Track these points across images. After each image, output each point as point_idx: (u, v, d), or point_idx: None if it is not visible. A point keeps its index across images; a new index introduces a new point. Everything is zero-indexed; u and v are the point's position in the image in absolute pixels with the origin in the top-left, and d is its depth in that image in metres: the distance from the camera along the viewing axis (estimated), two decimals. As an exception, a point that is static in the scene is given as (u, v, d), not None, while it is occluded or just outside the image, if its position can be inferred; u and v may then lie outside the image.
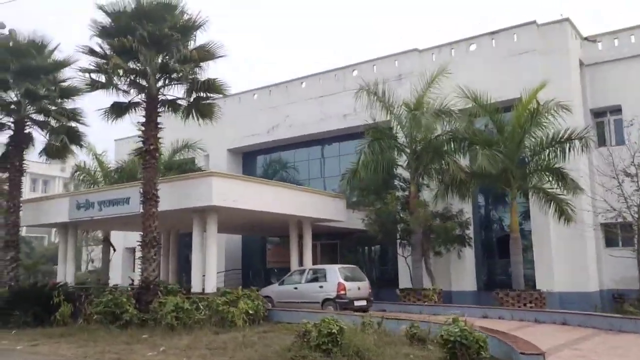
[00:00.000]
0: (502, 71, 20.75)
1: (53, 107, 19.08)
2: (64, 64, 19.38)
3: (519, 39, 21.24)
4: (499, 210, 22.60)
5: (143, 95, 15.99)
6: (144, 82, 15.84)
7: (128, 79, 15.87)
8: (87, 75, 15.94)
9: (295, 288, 15.57)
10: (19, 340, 12.81)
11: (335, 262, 23.56)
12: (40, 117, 19.93)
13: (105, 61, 15.41)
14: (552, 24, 21.05)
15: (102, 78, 15.75)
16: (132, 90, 16.34)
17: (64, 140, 19.21)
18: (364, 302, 15.16)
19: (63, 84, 19.45)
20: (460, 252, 20.34)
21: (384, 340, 9.16)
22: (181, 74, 15.28)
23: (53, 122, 20.01)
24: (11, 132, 19.70)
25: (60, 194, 20.81)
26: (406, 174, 20.70)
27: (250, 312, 13.70)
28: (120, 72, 15.56)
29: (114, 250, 28.84)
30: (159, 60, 15.52)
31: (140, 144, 15.88)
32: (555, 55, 20.40)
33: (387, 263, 25.27)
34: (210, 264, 16.36)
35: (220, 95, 16.98)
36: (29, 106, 19.25)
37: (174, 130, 18.22)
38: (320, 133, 26.73)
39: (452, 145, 18.98)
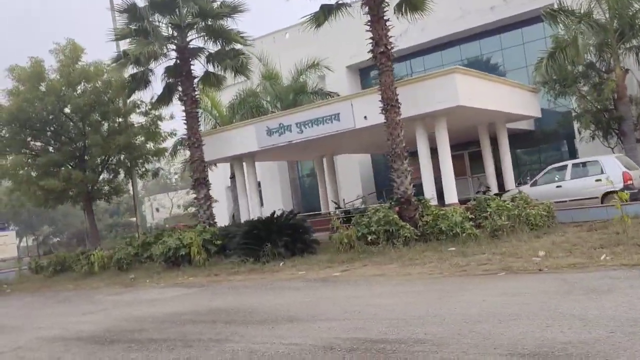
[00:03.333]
0: None
1: (221, 27, 17.18)
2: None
3: None
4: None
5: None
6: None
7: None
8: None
9: (559, 186, 14.11)
10: (308, 269, 11.67)
11: (482, 171, 21.81)
12: (200, 43, 18.16)
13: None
14: None
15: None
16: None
17: (243, 62, 17.51)
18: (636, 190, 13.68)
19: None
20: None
21: None
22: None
23: (212, 48, 18.28)
24: (169, 63, 18.11)
25: (244, 122, 19.16)
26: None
27: (544, 213, 12.36)
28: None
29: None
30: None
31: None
32: None
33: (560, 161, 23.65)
34: (447, 173, 14.98)
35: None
36: (193, 30, 17.43)
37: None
38: (459, 32, 24.52)
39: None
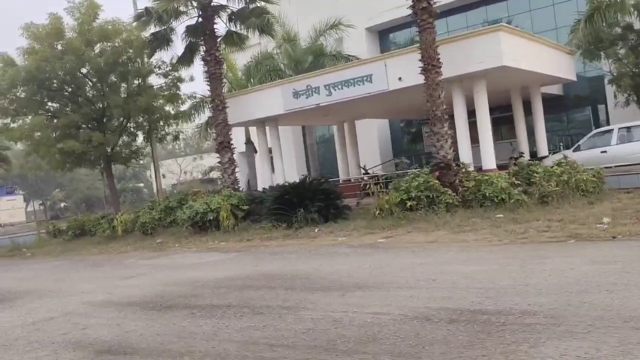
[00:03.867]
0: None
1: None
2: None
3: None
4: None
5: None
6: None
7: None
8: None
9: (604, 152, 13.59)
10: (348, 235, 11.29)
11: (512, 136, 21.24)
12: (222, 1, 17.41)
13: None
14: None
15: None
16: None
17: (269, 21, 16.80)
18: (694, 158, 13.19)
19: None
20: None
21: None
22: None
23: (234, 5, 17.52)
24: (190, 22, 17.41)
25: (270, 83, 18.54)
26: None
27: (593, 179, 11.88)
28: None
29: (256, 151, 27.31)
30: None
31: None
32: None
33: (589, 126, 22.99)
34: (486, 138, 14.43)
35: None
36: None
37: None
38: (484, -7, 23.58)
39: None
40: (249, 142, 26.13)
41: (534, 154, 18.40)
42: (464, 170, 13.12)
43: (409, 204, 12.16)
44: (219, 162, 17.23)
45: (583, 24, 17.60)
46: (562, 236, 8.22)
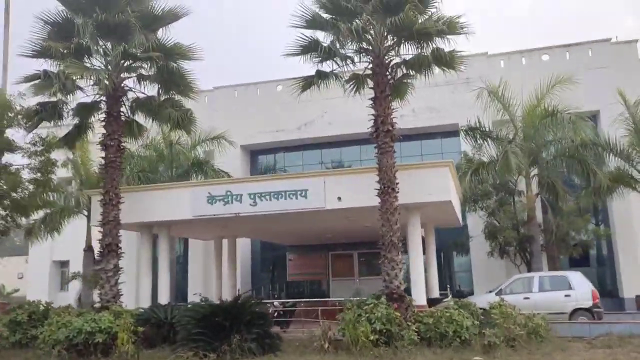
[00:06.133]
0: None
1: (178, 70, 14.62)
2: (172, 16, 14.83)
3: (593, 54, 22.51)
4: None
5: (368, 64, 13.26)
6: (366, 46, 13.16)
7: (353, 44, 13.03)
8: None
9: (526, 298, 13.93)
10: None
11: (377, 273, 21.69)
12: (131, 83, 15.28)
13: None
14: (624, 43, 22.74)
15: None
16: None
17: (190, 115, 15.01)
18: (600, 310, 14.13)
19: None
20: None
21: None
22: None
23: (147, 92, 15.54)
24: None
25: (179, 183, 15.92)
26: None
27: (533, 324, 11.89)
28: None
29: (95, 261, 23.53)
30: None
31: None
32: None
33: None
34: (419, 274, 13.98)
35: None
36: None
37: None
38: (364, 133, 24.94)
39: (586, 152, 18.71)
40: (89, 249, 22.12)
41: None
42: (412, 303, 12.31)
43: (371, 337, 10.74)
44: (101, 269, 13.85)
45: (469, 177, 19.19)
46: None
